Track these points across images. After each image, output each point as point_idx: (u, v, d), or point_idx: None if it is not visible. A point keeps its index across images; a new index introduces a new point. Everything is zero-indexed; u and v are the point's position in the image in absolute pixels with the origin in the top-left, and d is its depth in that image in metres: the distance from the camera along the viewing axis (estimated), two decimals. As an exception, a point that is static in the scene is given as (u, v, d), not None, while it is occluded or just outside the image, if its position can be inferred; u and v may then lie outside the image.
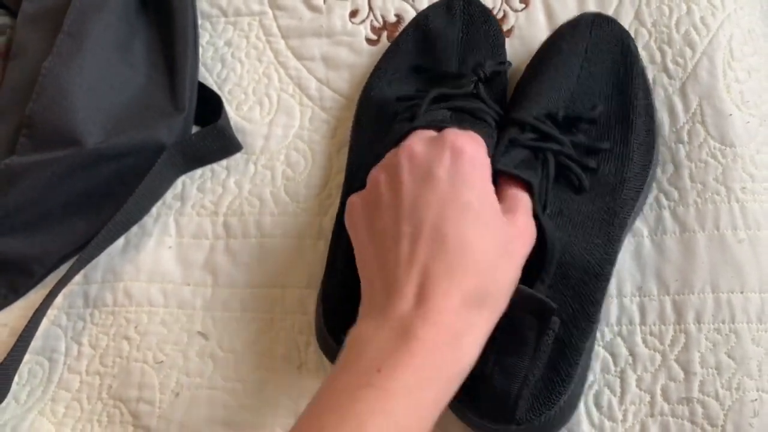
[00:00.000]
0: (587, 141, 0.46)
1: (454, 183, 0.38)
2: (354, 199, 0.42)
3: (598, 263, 0.43)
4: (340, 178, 0.52)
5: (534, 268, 0.41)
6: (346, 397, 0.35)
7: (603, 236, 0.44)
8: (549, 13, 0.56)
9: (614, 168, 0.46)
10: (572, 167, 0.45)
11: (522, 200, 0.42)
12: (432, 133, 0.42)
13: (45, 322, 0.52)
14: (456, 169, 0.39)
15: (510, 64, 0.52)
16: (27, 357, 0.51)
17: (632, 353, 0.45)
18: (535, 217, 0.42)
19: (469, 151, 0.40)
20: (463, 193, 0.38)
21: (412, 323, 0.36)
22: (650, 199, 0.48)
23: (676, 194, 0.48)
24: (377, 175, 0.41)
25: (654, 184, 0.49)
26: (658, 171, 0.49)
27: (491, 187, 0.40)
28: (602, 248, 0.43)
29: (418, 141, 0.41)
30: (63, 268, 0.53)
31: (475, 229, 0.38)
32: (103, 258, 0.54)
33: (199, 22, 0.60)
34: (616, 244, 0.44)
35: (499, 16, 0.56)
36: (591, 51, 0.49)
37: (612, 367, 0.45)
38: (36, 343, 0.51)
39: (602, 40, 0.50)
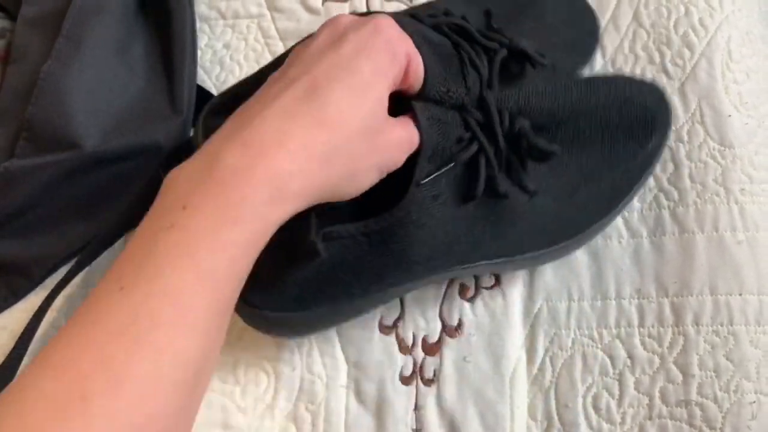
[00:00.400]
0: (523, 174, 0.42)
1: (358, 49, 0.37)
2: None
3: (417, 260, 0.40)
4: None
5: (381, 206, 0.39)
6: (147, 242, 0.32)
7: (447, 254, 0.41)
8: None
9: (522, 211, 0.42)
10: (480, 171, 0.40)
11: (412, 131, 0.39)
12: None
13: (44, 325, 0.52)
14: (367, 39, 0.37)
15: (546, 63, 0.45)
16: (26, 360, 0.51)
17: (630, 355, 0.45)
18: (413, 173, 0.39)
19: (388, 33, 0.37)
20: (360, 61, 0.36)
21: (225, 147, 0.33)
22: (649, 198, 0.48)
23: (675, 194, 0.48)
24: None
25: (654, 183, 0.48)
26: (658, 169, 0.48)
27: (392, 74, 0.37)
28: (436, 255, 0.41)
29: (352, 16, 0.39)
30: (62, 271, 0.53)
31: (351, 93, 0.35)
32: (102, 260, 0.54)
33: (198, 24, 0.60)
34: (454, 268, 0.42)
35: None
36: (624, 108, 0.44)
37: (610, 370, 0.45)
38: (35, 345, 0.51)
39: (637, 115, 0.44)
